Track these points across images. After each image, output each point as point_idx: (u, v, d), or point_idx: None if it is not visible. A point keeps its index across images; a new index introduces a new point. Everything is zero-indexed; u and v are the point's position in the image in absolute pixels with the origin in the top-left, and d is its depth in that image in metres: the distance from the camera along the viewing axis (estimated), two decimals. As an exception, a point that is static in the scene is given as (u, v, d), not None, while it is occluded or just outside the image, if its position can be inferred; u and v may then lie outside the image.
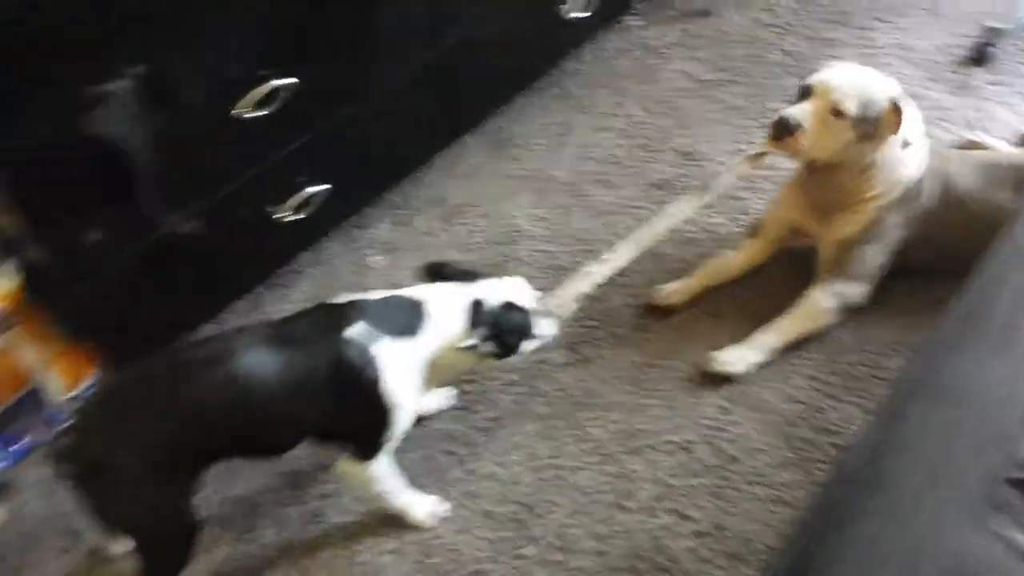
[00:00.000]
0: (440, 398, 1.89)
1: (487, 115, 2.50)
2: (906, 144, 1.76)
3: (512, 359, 1.65)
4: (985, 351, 1.25)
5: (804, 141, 1.73)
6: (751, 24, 2.75)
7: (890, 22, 2.67)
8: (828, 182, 1.83)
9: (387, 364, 1.49)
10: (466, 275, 1.64)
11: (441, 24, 2.14)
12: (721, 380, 1.86)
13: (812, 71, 1.80)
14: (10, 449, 1.88)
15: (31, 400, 1.88)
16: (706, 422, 1.82)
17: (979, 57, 2.42)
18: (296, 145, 1.94)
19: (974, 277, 1.40)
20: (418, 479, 1.76)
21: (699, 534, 1.67)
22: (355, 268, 2.18)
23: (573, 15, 2.44)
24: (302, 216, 2.00)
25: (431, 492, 1.75)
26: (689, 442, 1.79)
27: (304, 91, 1.83)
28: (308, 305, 2.01)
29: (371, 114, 2.06)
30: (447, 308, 1.56)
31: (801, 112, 1.73)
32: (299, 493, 1.80)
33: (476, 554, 1.67)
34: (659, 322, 1.99)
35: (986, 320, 1.29)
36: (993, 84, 2.41)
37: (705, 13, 2.82)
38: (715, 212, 2.21)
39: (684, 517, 1.69)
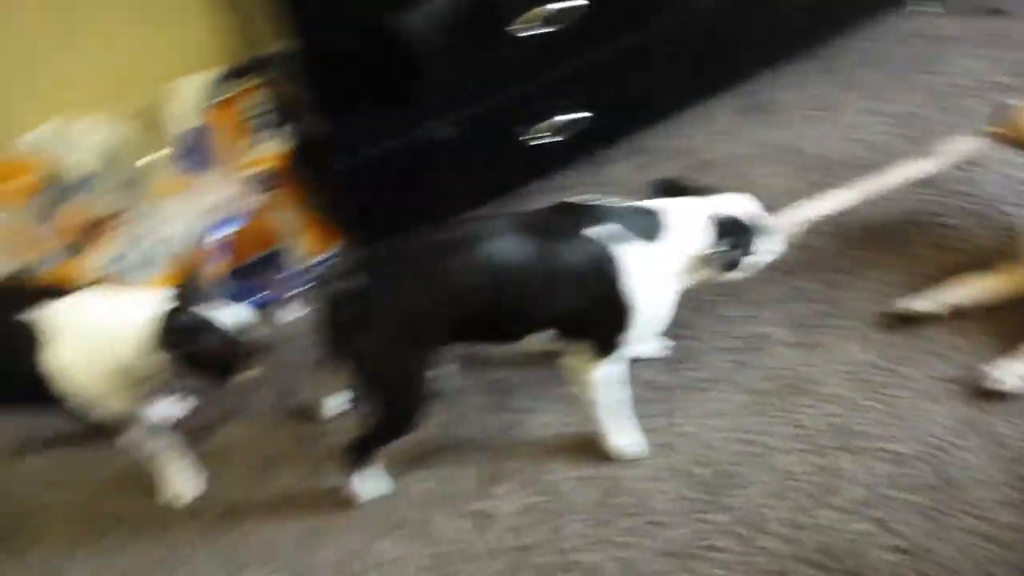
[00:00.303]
0: (656, 347, 1.87)
1: (752, 75, 2.41)
2: None
3: (733, 274, 1.63)
4: None
5: None
6: (1059, 31, 2.51)
7: None
8: None
9: (628, 265, 1.52)
10: (699, 191, 1.64)
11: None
12: (985, 396, 1.74)
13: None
14: (249, 301, 2.01)
15: (274, 259, 2.00)
16: (931, 439, 1.71)
17: None
18: (566, 69, 1.93)
19: None
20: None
21: (901, 550, 1.58)
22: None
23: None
24: (550, 141, 2.00)
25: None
26: (908, 455, 1.69)
27: (590, 14, 1.81)
28: None
29: (645, 50, 2.02)
30: (686, 218, 1.58)
31: None
32: (504, 400, 1.85)
33: (662, 506, 1.66)
34: (900, 325, 1.88)
35: None
36: None
37: (998, 11, 2.59)
38: (980, 226, 2.05)
39: (888, 529, 1.60)
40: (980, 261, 1.93)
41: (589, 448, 1.74)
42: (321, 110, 1.71)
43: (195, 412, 1.89)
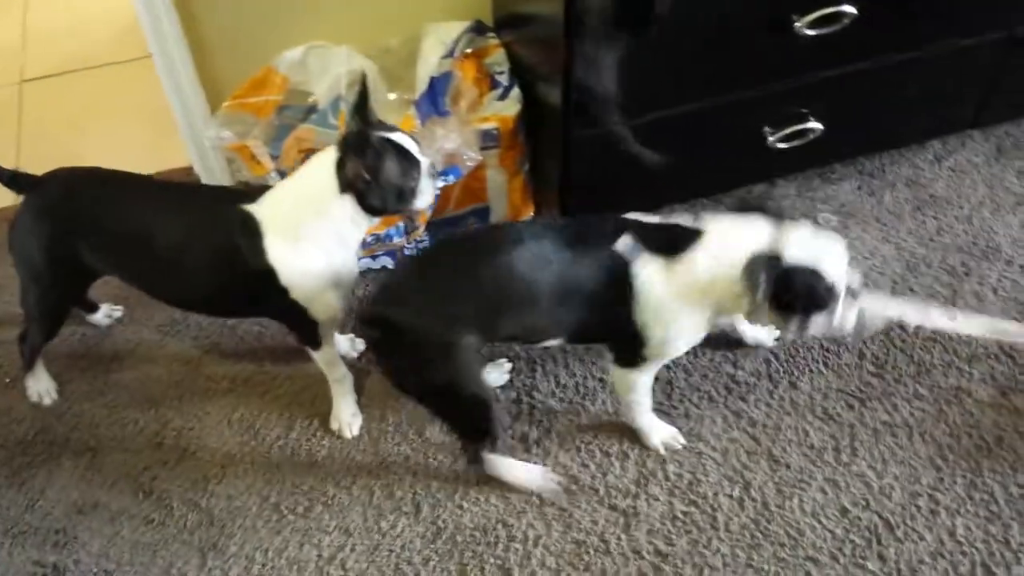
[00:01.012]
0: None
1: (1005, 118, 2.24)
2: None
3: (791, 327, 1.47)
4: None
5: None
6: None
7: None
8: None
9: (646, 284, 1.47)
10: (781, 216, 1.47)
11: (1010, 13, 1.94)
12: None
13: None
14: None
15: (479, 216, 2.07)
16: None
17: None
18: (823, 76, 1.88)
19: None
20: (787, 443, 1.72)
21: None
22: (801, 218, 2.08)
23: None
24: (787, 147, 1.95)
25: (792, 460, 1.70)
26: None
27: (861, 22, 1.74)
28: None
29: (909, 70, 1.93)
30: (730, 242, 1.45)
31: None
32: (672, 401, 1.83)
33: (817, 542, 1.60)
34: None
35: None
36: None
37: None
38: None
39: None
40: None
41: (749, 466, 1.71)
42: (567, 76, 1.72)
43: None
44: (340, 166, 1.53)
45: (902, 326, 1.76)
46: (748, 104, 1.87)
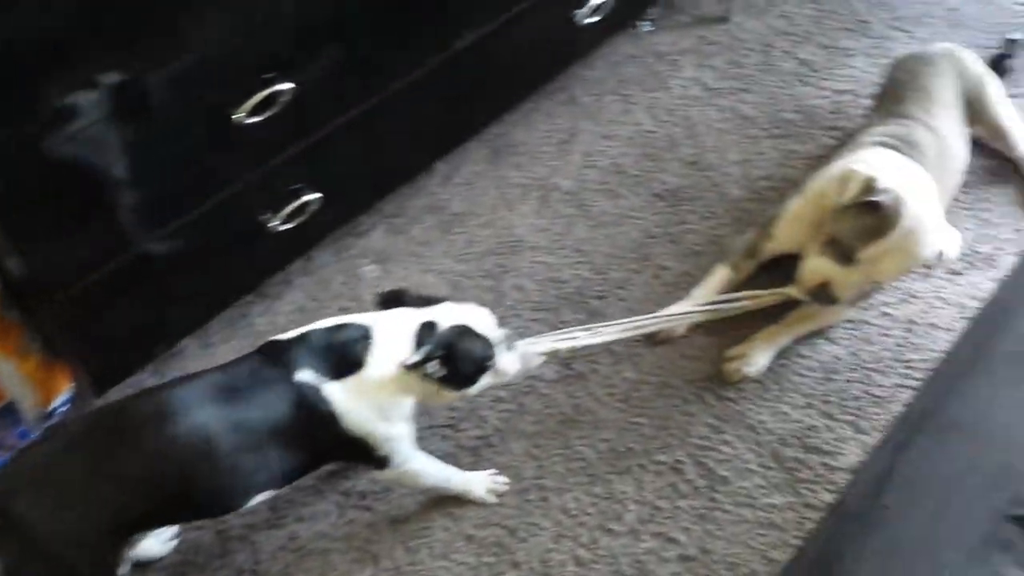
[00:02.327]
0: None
1: (491, 121, 2.45)
2: None
3: (469, 391, 1.56)
4: (993, 384, 1.19)
5: None
6: (767, 31, 2.67)
7: (909, 31, 2.58)
8: None
9: (342, 402, 1.45)
10: (425, 301, 1.57)
11: (448, 28, 2.09)
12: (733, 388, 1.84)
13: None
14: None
15: (7, 414, 1.85)
16: (697, 441, 1.76)
17: (997, 69, 2.32)
18: (292, 152, 1.89)
19: (983, 308, 1.34)
20: (400, 499, 1.73)
21: (684, 558, 1.61)
22: (346, 278, 2.13)
23: (586, 20, 2.38)
24: (293, 225, 1.95)
25: (413, 513, 1.71)
26: (679, 462, 1.74)
27: (302, 96, 1.78)
28: (296, 316, 2.04)
29: (375, 116, 2.00)
30: (396, 332, 1.50)
31: None
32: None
33: (456, 577, 1.63)
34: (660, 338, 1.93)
35: (995, 352, 1.23)
36: (1011, 96, 2.32)
37: (720, 19, 2.74)
38: (716, 225, 2.15)
39: (670, 540, 1.64)
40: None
41: (372, 538, 1.69)
42: (16, 247, 1.58)
43: None
44: None
45: (555, 356, 1.86)
46: (235, 200, 1.83)
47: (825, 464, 1.70)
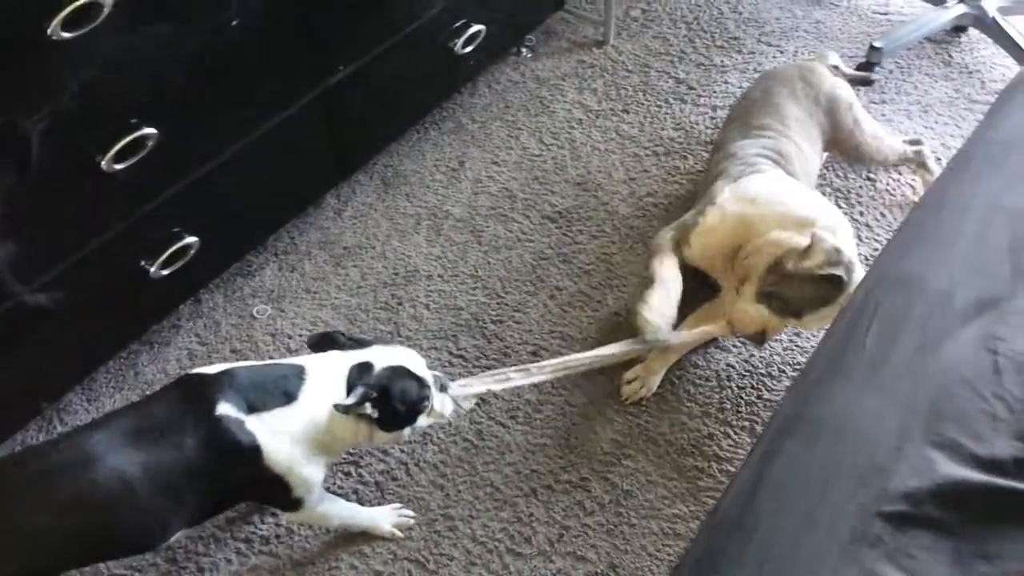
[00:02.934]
0: None
1: (378, 152, 2.44)
2: None
3: (403, 433, 1.54)
4: (856, 383, 1.23)
5: None
6: (644, 53, 2.75)
7: (777, 46, 2.70)
8: None
9: (266, 437, 1.41)
10: (357, 343, 1.56)
11: (321, 62, 2.07)
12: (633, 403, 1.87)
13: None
14: None
15: None
16: (601, 457, 1.78)
17: (862, 80, 2.44)
18: (164, 196, 1.83)
19: (846, 307, 1.39)
20: (304, 541, 1.68)
21: (595, 575, 1.62)
22: (238, 320, 2.08)
23: (464, 49, 2.40)
24: (175, 269, 1.89)
25: (318, 553, 1.67)
26: (584, 479, 1.75)
27: (168, 139, 1.73)
28: (186, 362, 1.97)
29: (249, 157, 1.96)
30: (328, 373, 1.48)
31: None
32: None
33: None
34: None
35: (857, 351, 1.27)
36: (877, 103, 2.44)
37: (598, 43, 2.81)
38: (606, 246, 2.18)
39: (579, 559, 1.64)
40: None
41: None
42: None
43: None
44: None
45: (487, 398, 1.85)
46: (111, 247, 1.75)
47: (724, 471, 1.74)
